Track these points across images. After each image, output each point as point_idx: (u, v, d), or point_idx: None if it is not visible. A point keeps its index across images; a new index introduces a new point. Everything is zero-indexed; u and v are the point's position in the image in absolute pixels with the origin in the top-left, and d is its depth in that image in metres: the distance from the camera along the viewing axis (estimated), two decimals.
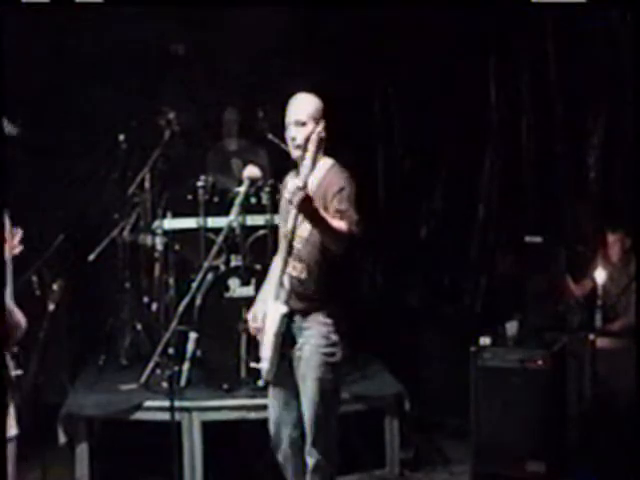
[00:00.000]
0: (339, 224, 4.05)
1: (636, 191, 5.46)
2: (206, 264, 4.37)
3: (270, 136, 6.11)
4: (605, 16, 6.64)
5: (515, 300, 6.99)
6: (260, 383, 5.26)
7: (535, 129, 7.32)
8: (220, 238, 4.43)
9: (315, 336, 4.16)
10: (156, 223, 6.36)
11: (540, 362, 5.59)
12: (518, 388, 5.61)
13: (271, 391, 4.36)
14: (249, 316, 4.40)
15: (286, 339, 4.16)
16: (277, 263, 4.28)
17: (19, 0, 5.51)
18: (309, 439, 4.21)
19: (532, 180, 7.37)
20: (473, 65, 7.25)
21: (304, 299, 4.17)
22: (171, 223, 6.32)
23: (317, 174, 4.19)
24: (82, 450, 5.54)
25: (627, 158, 6.50)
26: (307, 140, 4.12)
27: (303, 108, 4.24)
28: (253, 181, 4.27)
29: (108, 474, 5.58)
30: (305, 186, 3.91)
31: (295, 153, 4.23)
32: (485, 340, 5.78)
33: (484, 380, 5.69)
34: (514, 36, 7.19)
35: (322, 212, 4.00)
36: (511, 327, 5.86)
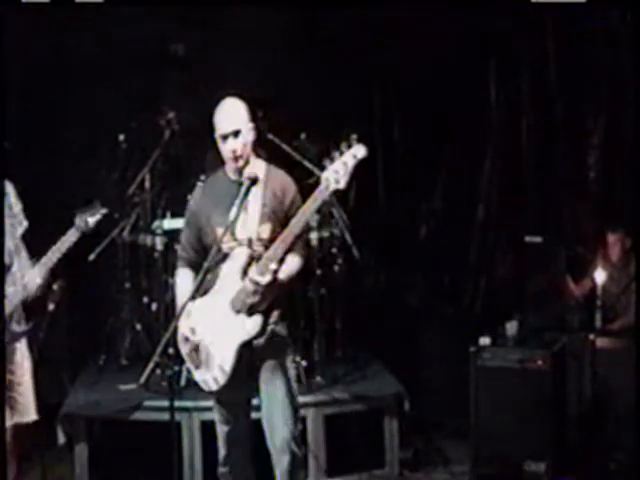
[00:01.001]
0: (294, 261, 4.14)
1: (636, 191, 5.46)
2: (206, 264, 4.35)
3: (270, 136, 6.10)
4: (605, 16, 6.64)
5: (515, 300, 6.99)
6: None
7: (535, 129, 7.32)
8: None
9: (272, 331, 4.16)
10: (156, 223, 6.36)
11: (540, 362, 5.59)
12: (518, 388, 5.61)
13: (219, 405, 4.27)
14: (187, 330, 4.20)
15: (247, 346, 4.12)
16: (227, 272, 4.17)
17: (19, 0, 5.52)
18: (283, 436, 4.16)
19: (532, 180, 7.37)
20: (473, 65, 7.25)
21: (264, 301, 4.11)
22: (171, 223, 6.31)
23: (260, 173, 4.18)
24: (82, 450, 5.54)
25: (627, 158, 6.50)
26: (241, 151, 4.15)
27: (234, 116, 4.20)
28: (253, 181, 4.25)
29: (108, 474, 5.57)
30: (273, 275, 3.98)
31: (235, 164, 4.18)
32: (485, 340, 5.79)
33: (484, 380, 5.69)
34: (514, 36, 7.19)
35: (282, 274, 4.07)
36: (511, 327, 5.86)
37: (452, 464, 6.04)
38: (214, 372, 4.15)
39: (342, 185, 3.89)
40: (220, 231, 4.15)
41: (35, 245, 6.08)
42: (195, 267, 4.27)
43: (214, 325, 4.16)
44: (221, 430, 4.30)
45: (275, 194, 4.18)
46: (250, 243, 4.13)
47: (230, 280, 4.16)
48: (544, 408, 5.56)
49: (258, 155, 4.37)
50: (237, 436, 4.28)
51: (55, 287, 5.34)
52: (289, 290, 4.28)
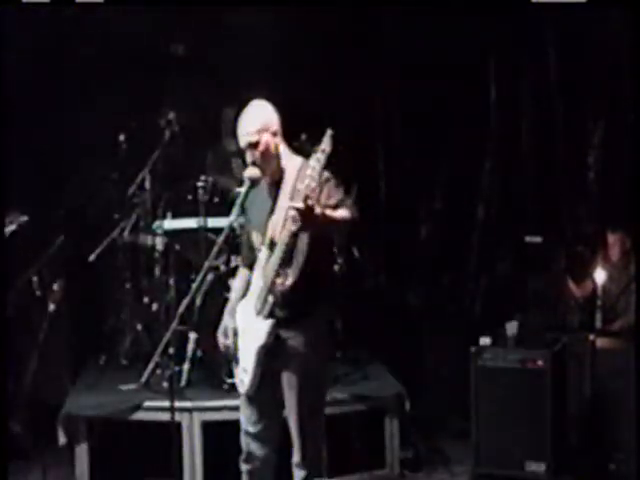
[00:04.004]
0: (342, 214, 4.00)
1: (636, 191, 5.46)
2: (206, 264, 4.36)
3: None
4: (605, 16, 6.64)
5: (515, 300, 6.99)
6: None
7: (535, 129, 7.32)
8: (220, 238, 4.42)
9: (302, 343, 4.07)
10: (156, 223, 6.36)
11: (540, 362, 5.59)
12: (518, 388, 5.62)
13: (246, 405, 4.22)
14: (219, 332, 4.28)
15: (268, 351, 4.07)
16: (255, 275, 4.15)
17: (19, 0, 5.52)
18: (299, 450, 4.10)
19: (532, 180, 7.37)
20: (473, 65, 7.25)
21: (288, 306, 4.06)
22: (171, 223, 6.32)
23: (290, 174, 4.12)
24: (82, 450, 5.53)
25: (627, 158, 6.50)
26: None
27: (252, 126, 4.10)
28: (254, 181, 4.24)
29: (108, 474, 5.57)
30: (305, 202, 3.81)
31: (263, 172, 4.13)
32: (485, 340, 5.79)
33: (484, 380, 5.69)
34: (514, 36, 7.20)
35: (326, 211, 3.93)
36: (511, 327, 5.86)
37: (452, 464, 6.04)
38: (241, 374, 4.16)
39: (315, 182, 3.85)
40: (254, 232, 4.18)
41: (34, 244, 6.12)
42: (251, 265, 4.26)
43: (243, 327, 4.18)
44: (247, 429, 4.22)
45: (306, 189, 3.98)
46: (271, 245, 4.08)
47: (256, 282, 4.15)
48: (544, 408, 5.56)
49: (296, 149, 4.33)
50: (263, 437, 4.20)
51: (55, 287, 5.34)
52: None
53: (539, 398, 5.57)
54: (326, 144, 3.91)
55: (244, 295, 4.27)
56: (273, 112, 4.18)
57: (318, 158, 3.90)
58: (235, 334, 4.24)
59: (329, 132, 3.93)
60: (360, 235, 6.25)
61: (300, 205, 3.81)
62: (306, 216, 3.82)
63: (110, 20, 6.61)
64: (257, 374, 4.08)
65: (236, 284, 4.41)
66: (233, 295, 4.38)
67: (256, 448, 4.22)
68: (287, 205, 3.94)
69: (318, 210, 3.88)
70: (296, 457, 4.13)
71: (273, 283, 4.03)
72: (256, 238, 4.18)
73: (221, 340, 4.29)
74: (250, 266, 4.27)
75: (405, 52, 7.25)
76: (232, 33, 7.03)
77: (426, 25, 6.99)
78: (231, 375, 4.34)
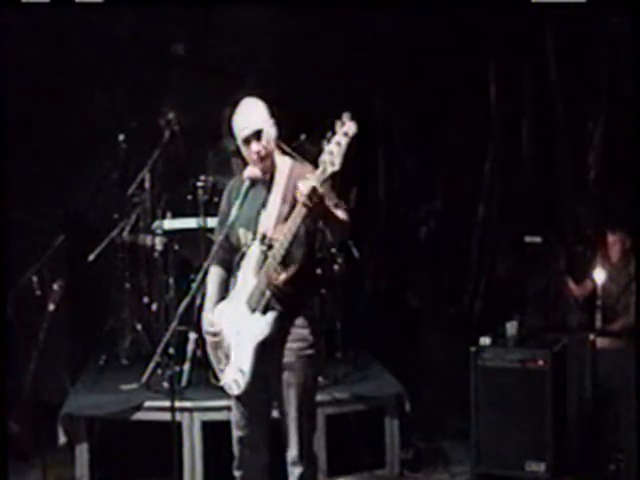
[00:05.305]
0: (342, 215, 3.99)
1: (636, 191, 5.46)
2: (206, 264, 4.36)
3: None
4: (605, 16, 6.64)
5: (515, 300, 6.99)
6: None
7: (535, 129, 7.33)
8: (220, 238, 4.42)
9: (295, 340, 4.07)
10: (156, 223, 6.36)
11: (540, 362, 5.59)
12: (518, 388, 5.62)
13: (236, 408, 4.20)
14: (207, 324, 4.20)
15: (265, 348, 4.04)
16: (245, 272, 4.11)
17: (19, 0, 5.52)
18: (296, 447, 4.09)
19: (532, 180, 7.37)
20: (473, 65, 7.26)
21: (281, 303, 4.04)
22: (171, 223, 6.32)
23: (281, 172, 4.11)
24: (82, 450, 5.53)
25: (627, 158, 6.50)
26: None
27: (254, 116, 4.10)
28: (254, 181, 4.24)
29: (108, 474, 5.58)
30: (319, 186, 3.77)
31: (262, 164, 4.10)
32: (485, 340, 5.79)
33: (484, 380, 5.70)
34: (514, 36, 7.20)
35: (331, 206, 3.92)
36: (511, 327, 5.86)
37: (452, 464, 6.04)
38: (235, 375, 4.11)
39: (337, 167, 3.76)
40: (240, 229, 4.14)
41: (34, 243, 6.12)
42: (225, 265, 4.25)
43: (234, 327, 4.12)
44: (236, 434, 4.21)
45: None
46: (264, 240, 4.06)
47: (246, 279, 4.11)
48: (544, 408, 5.56)
49: (283, 151, 4.32)
50: (252, 441, 4.19)
51: (55, 287, 5.34)
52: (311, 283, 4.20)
53: (539, 398, 5.57)
54: (349, 126, 3.76)
55: (223, 296, 4.23)
56: (265, 107, 4.18)
57: (338, 142, 3.76)
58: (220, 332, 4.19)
59: (348, 114, 3.77)
60: (360, 235, 6.25)
61: (315, 183, 3.75)
62: (317, 200, 3.77)
63: (110, 20, 6.61)
64: (254, 373, 4.06)
65: (212, 282, 4.29)
66: (210, 293, 4.27)
67: (247, 453, 4.20)
68: (298, 186, 3.83)
69: (326, 201, 3.86)
70: (293, 454, 4.11)
71: (271, 280, 4.01)
72: (243, 234, 4.15)
73: (210, 330, 4.19)
74: (224, 265, 4.24)
75: (405, 52, 7.25)
76: (232, 32, 7.03)
77: (426, 25, 6.99)
78: (217, 378, 4.28)
